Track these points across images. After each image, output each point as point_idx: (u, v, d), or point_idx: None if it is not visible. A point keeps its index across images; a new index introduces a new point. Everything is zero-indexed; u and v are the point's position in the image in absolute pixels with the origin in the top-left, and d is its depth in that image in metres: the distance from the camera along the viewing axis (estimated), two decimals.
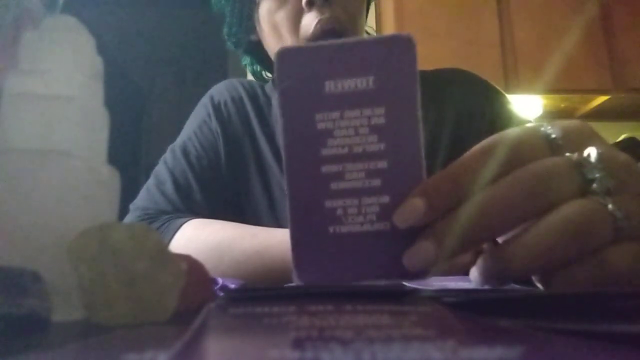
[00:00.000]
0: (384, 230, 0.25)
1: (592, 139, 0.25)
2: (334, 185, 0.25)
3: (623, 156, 0.25)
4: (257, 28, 0.65)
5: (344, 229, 0.25)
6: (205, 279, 0.28)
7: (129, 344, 0.17)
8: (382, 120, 0.25)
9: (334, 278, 0.26)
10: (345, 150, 0.25)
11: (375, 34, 1.66)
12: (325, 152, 0.25)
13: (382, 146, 0.25)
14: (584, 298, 0.21)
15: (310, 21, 0.57)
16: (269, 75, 0.78)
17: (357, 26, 0.62)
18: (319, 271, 0.26)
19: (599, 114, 2.26)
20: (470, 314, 0.19)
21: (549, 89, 2.04)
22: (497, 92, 0.69)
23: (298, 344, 0.13)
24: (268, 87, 0.74)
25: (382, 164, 0.25)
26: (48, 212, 0.24)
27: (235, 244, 0.53)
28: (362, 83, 0.25)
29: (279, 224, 0.63)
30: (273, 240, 0.52)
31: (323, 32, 0.57)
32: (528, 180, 0.23)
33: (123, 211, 0.62)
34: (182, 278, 0.22)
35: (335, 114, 0.25)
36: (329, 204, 0.25)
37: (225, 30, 0.68)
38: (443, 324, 0.18)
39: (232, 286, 0.35)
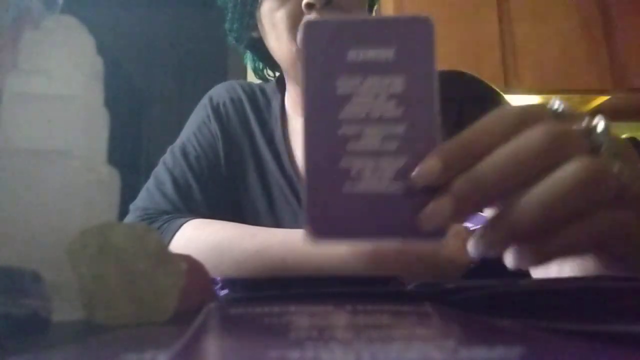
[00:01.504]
0: (398, 192, 0.26)
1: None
2: (349, 147, 0.26)
3: (621, 137, 0.26)
4: (259, 26, 0.65)
5: (358, 189, 0.26)
6: (205, 279, 0.28)
7: (129, 344, 0.17)
8: (400, 89, 0.26)
9: (347, 237, 0.26)
10: (363, 114, 0.26)
11: None
12: (343, 115, 0.26)
13: (399, 112, 0.26)
14: (584, 297, 0.21)
15: None
16: (270, 73, 0.78)
17: None
18: (332, 230, 0.26)
19: (599, 114, 2.25)
20: (471, 314, 0.19)
21: (549, 89, 2.04)
22: (497, 95, 0.69)
23: (298, 344, 0.13)
24: (269, 88, 0.74)
25: (399, 129, 0.26)
26: (48, 212, 0.24)
27: (235, 244, 0.53)
28: (383, 54, 0.26)
29: (278, 225, 0.63)
30: (273, 240, 0.52)
31: None
32: (541, 138, 0.24)
33: (123, 211, 0.62)
34: (182, 278, 0.22)
35: (356, 81, 0.26)
36: (343, 163, 0.26)
37: (226, 25, 0.69)
38: (443, 324, 0.18)
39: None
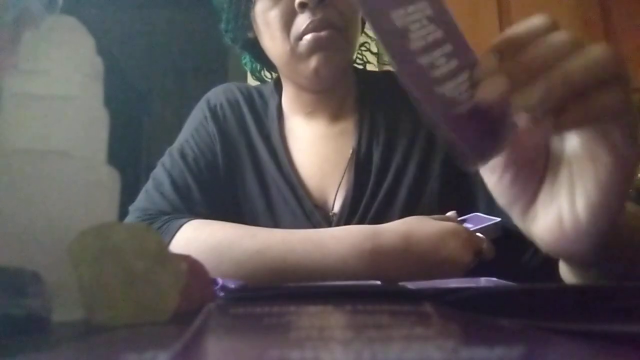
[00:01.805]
0: (475, 104, 0.28)
1: None
2: (432, 73, 0.28)
3: None
4: (254, 26, 0.65)
5: (457, 110, 0.28)
6: (205, 279, 0.28)
7: (129, 344, 0.17)
8: (430, 11, 0.29)
9: (489, 154, 0.29)
10: (423, 41, 0.28)
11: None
12: (412, 46, 0.28)
13: (441, 33, 0.29)
14: (584, 297, 0.21)
15: (302, 22, 0.59)
16: (268, 75, 0.78)
17: (352, 27, 0.63)
18: (479, 151, 0.29)
19: None
20: (470, 314, 0.19)
21: None
22: None
23: (298, 344, 0.13)
24: (266, 90, 0.74)
25: (449, 48, 0.29)
26: (48, 212, 0.24)
27: (235, 244, 0.53)
28: None
29: (276, 222, 0.63)
30: (273, 240, 0.52)
31: (314, 34, 0.58)
32: (568, 33, 0.28)
33: (123, 212, 0.62)
34: (182, 278, 0.22)
35: (402, 11, 0.28)
36: (437, 91, 0.28)
37: (222, 25, 0.69)
38: (443, 324, 0.18)
39: (232, 286, 0.35)
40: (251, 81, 0.85)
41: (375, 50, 0.79)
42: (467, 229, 0.51)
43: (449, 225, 0.50)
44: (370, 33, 0.78)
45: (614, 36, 2.09)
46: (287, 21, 0.59)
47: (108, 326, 0.21)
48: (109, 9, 3.11)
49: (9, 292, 0.19)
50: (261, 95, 0.74)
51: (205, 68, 3.18)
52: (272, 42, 0.62)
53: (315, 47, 0.59)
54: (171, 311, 0.22)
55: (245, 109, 0.71)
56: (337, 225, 0.60)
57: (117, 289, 0.21)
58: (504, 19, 2.09)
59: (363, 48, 0.78)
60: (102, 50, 0.27)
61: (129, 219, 0.63)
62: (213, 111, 0.71)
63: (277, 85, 0.73)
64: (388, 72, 0.80)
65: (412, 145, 0.64)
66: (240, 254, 0.52)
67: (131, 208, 0.64)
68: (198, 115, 0.72)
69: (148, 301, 0.21)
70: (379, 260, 0.48)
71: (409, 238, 0.49)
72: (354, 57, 0.67)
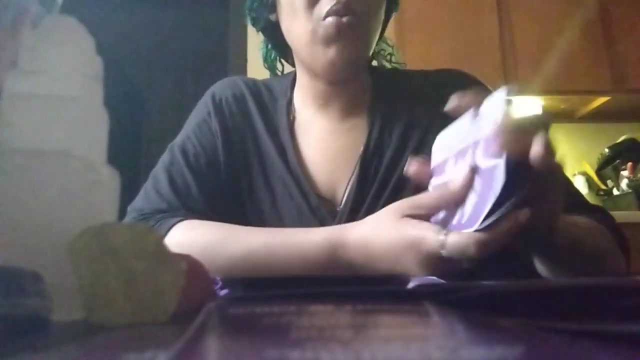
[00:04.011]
0: None
1: None
2: None
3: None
4: (278, 8, 0.66)
5: None
6: (205, 279, 0.28)
7: (129, 344, 0.17)
8: None
9: None
10: None
11: None
12: None
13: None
14: (584, 297, 0.21)
15: (326, 4, 0.59)
16: (279, 66, 0.78)
17: (373, 17, 0.63)
18: None
19: (599, 115, 2.25)
20: (470, 314, 0.19)
21: (549, 90, 2.04)
22: (490, 93, 0.68)
23: (298, 344, 0.13)
24: (278, 85, 0.73)
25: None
26: (48, 212, 0.24)
27: (219, 251, 0.53)
28: None
29: (281, 220, 0.62)
30: (256, 245, 0.52)
31: (336, 18, 0.58)
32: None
33: (123, 212, 0.61)
34: (182, 278, 0.22)
35: None
36: None
37: (247, 3, 0.71)
38: (443, 324, 0.18)
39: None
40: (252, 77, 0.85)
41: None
42: (428, 245, 0.44)
43: (408, 238, 0.45)
44: (389, 41, 0.79)
45: (614, 36, 2.10)
46: (312, 1, 0.60)
47: (108, 326, 0.21)
48: (109, 9, 3.11)
49: (9, 292, 0.19)
50: (270, 90, 0.73)
51: (205, 68, 3.17)
52: (294, 22, 0.62)
53: (336, 32, 0.59)
54: (171, 311, 0.22)
55: (251, 103, 0.71)
56: (341, 220, 0.60)
57: (117, 289, 0.21)
58: (504, 19, 2.09)
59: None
60: (102, 50, 0.27)
61: (126, 219, 0.62)
62: (218, 107, 0.70)
63: (293, 80, 0.73)
64: (399, 69, 0.79)
65: (423, 143, 0.64)
66: (225, 261, 0.52)
67: (129, 208, 0.64)
68: (202, 110, 0.71)
69: (148, 301, 0.21)
70: (345, 269, 0.49)
71: (366, 253, 0.48)
72: (370, 53, 0.68)
